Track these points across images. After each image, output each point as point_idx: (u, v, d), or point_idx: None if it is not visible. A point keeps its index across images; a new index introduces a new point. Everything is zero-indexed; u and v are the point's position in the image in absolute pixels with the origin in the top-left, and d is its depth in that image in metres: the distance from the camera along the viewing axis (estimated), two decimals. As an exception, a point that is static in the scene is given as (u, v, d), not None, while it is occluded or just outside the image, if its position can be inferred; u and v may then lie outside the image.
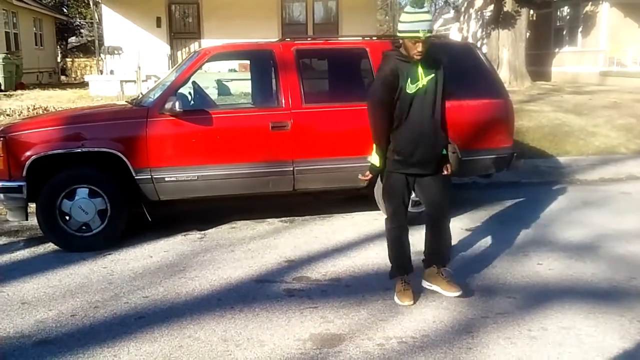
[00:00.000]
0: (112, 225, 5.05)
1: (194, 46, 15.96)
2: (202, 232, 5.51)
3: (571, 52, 20.62)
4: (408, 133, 3.71)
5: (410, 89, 3.63)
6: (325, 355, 3.18)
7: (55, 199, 4.92)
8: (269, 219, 5.89)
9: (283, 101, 5.32)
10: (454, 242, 5.08)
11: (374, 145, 3.83)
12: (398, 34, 3.69)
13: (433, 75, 3.69)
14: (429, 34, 3.52)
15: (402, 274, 3.91)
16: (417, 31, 3.51)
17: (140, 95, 6.11)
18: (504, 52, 17.75)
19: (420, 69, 3.65)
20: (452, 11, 30.77)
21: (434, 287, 3.93)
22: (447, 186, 4.03)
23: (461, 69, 5.94)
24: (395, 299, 3.86)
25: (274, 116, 5.28)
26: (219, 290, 4.11)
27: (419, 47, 3.56)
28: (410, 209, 5.48)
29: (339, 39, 7.03)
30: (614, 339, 3.32)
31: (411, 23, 3.54)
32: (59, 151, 4.91)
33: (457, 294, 3.85)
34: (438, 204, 3.90)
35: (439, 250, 3.97)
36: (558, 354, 3.17)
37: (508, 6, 17.59)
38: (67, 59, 32.18)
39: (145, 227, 5.46)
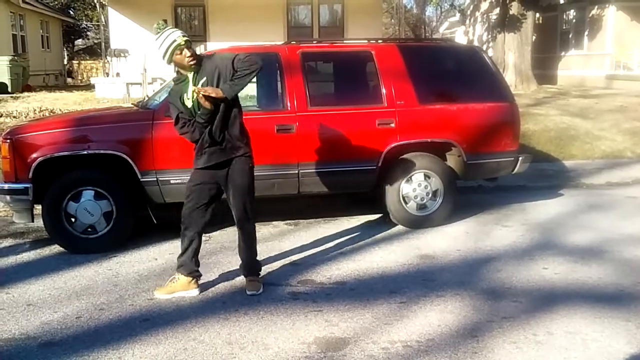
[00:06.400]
0: (118, 227, 5.06)
1: (200, 49, 15.98)
2: (207, 234, 5.51)
3: (577, 56, 20.55)
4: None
5: (187, 102, 3.83)
6: (330, 359, 3.17)
7: (61, 201, 4.93)
8: (273, 222, 5.89)
9: (288, 104, 5.32)
10: (460, 245, 5.09)
11: None
12: (166, 60, 3.76)
13: (204, 82, 3.77)
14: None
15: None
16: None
17: (146, 98, 6.12)
18: (510, 56, 17.70)
19: (191, 83, 3.78)
20: (457, 14, 30.70)
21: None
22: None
23: (467, 73, 5.97)
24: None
25: (279, 119, 5.28)
26: (223, 293, 4.12)
27: (187, 53, 3.70)
28: (415, 212, 5.56)
29: (345, 42, 7.00)
30: (620, 344, 3.30)
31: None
32: (65, 153, 4.93)
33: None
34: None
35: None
36: (564, 358, 3.15)
37: (514, 9, 17.55)
38: (74, 62, 32.35)
39: (151, 230, 5.47)
